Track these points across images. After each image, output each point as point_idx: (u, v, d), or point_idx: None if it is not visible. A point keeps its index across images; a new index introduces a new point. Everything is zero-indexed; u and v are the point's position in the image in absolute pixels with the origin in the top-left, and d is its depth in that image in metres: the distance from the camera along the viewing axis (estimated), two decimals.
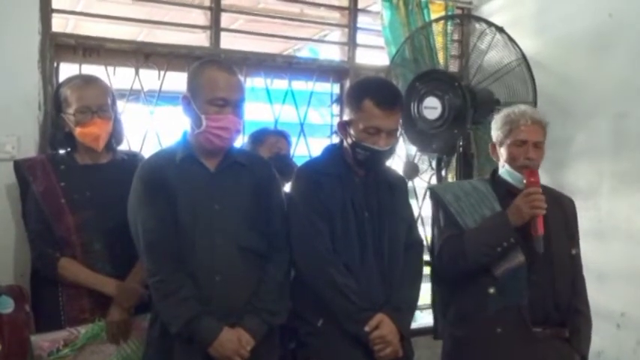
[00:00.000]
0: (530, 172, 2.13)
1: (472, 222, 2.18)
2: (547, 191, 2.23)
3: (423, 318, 3.45)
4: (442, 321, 2.33)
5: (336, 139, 3.29)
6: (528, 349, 2.11)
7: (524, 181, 2.13)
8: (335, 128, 3.30)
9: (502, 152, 2.22)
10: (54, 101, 2.31)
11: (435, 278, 2.35)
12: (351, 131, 2.08)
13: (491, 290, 2.12)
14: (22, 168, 2.24)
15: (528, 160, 2.15)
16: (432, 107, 2.88)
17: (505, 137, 2.20)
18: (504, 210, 2.14)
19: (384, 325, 2.02)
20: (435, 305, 2.36)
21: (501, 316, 2.11)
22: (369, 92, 2.05)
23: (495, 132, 2.25)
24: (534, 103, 2.86)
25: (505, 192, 2.20)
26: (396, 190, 2.20)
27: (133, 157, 2.37)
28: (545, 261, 2.14)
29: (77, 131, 2.21)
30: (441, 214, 2.25)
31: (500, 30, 2.92)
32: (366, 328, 2.01)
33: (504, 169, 2.22)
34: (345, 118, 2.13)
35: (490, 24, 2.96)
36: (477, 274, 2.15)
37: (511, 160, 2.19)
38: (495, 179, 2.27)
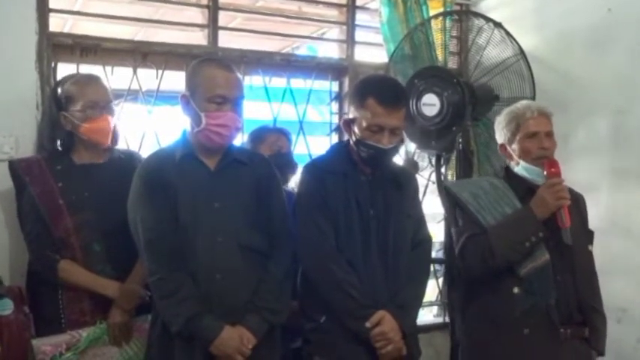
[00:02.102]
0: (550, 163, 2.10)
1: (492, 220, 2.14)
2: None
3: (425, 315, 3.45)
4: (460, 322, 2.30)
5: (335, 137, 3.32)
6: (552, 349, 2.09)
7: (545, 173, 2.10)
8: (335, 126, 3.33)
9: (514, 149, 2.19)
10: (53, 100, 2.27)
11: (451, 279, 2.30)
12: (355, 129, 2.07)
13: (516, 290, 2.09)
14: (17, 168, 2.22)
15: (543, 150, 2.13)
16: (430, 104, 2.87)
17: (514, 134, 2.18)
18: (527, 204, 2.10)
19: (385, 322, 2.02)
20: (451, 306, 2.32)
21: (529, 317, 2.08)
22: (372, 90, 2.04)
23: (501, 132, 2.23)
24: (533, 99, 2.85)
25: (525, 190, 2.16)
26: (404, 187, 2.19)
27: (129, 157, 2.36)
28: (567, 259, 2.12)
29: (84, 128, 2.19)
30: (459, 213, 2.21)
31: (499, 25, 2.91)
32: (367, 324, 2.01)
33: (520, 166, 2.19)
34: (350, 115, 2.13)
35: (488, 20, 2.95)
36: (499, 274, 2.12)
37: (525, 154, 2.16)
38: (511, 177, 2.23)
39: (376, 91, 2.04)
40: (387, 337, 2.01)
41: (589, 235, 2.27)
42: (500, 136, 2.25)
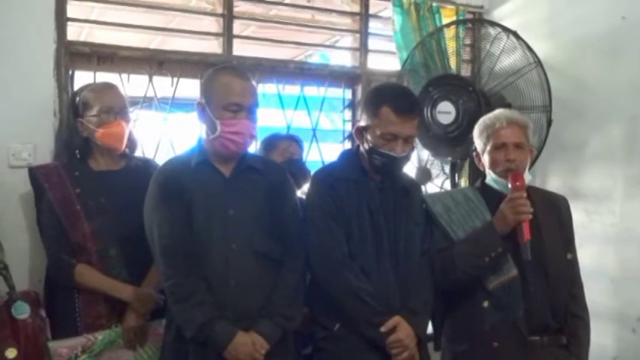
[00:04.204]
0: (514, 176, 2.08)
1: (462, 233, 2.14)
2: (539, 193, 2.21)
3: None
4: (439, 333, 2.30)
5: (348, 145, 3.33)
6: (527, 358, 2.08)
7: (509, 186, 2.08)
8: (348, 133, 3.34)
9: (485, 160, 2.19)
10: (71, 107, 2.33)
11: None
12: (368, 137, 2.08)
13: (486, 304, 2.09)
14: (37, 175, 2.26)
15: (509, 162, 2.10)
16: (446, 112, 2.88)
17: (485, 144, 2.17)
18: (492, 219, 2.10)
19: (401, 329, 2.02)
20: (433, 318, 2.33)
21: (497, 330, 2.08)
22: (386, 99, 2.05)
23: (476, 141, 2.23)
24: (549, 107, 2.85)
25: (497, 201, 2.14)
26: (412, 195, 2.20)
27: (146, 164, 2.39)
28: (539, 270, 2.10)
29: (99, 133, 2.23)
30: (433, 226, 2.20)
31: (514, 34, 2.91)
32: (382, 329, 2.01)
33: (490, 177, 2.19)
34: (362, 123, 2.13)
35: (504, 28, 2.95)
36: (470, 288, 2.12)
37: (494, 166, 2.15)
38: (485, 188, 2.23)
39: (390, 99, 2.04)
40: (403, 343, 2.01)
41: (568, 243, 2.22)
42: (476, 145, 2.24)
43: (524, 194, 2.07)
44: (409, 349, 2.02)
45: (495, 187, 2.18)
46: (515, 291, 2.07)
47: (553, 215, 2.20)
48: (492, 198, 2.17)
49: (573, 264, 2.22)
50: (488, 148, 2.16)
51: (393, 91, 2.15)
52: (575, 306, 2.18)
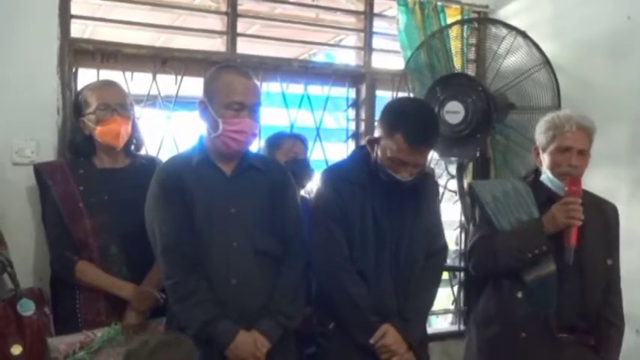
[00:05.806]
0: (572, 181, 2.08)
1: (507, 224, 2.15)
2: (589, 197, 2.18)
3: (439, 323, 3.44)
4: (468, 319, 2.34)
5: (351, 144, 3.32)
6: (552, 354, 2.09)
7: (566, 189, 2.08)
8: (352, 133, 3.34)
9: (545, 158, 2.16)
10: (74, 106, 2.34)
11: (469, 278, 2.33)
12: (379, 152, 2.05)
13: (520, 294, 2.11)
14: (42, 172, 2.27)
15: (570, 168, 2.09)
16: (454, 112, 2.85)
17: (548, 143, 2.14)
18: (540, 216, 2.10)
19: (388, 335, 2.04)
20: (468, 307, 2.35)
21: (527, 322, 2.10)
22: (403, 125, 1.99)
23: (539, 136, 2.19)
24: (558, 108, 2.83)
25: (546, 198, 2.15)
26: (422, 195, 2.16)
27: (150, 162, 2.39)
28: (576, 271, 2.10)
29: (97, 130, 2.23)
30: (477, 212, 2.22)
31: (522, 33, 2.88)
32: (372, 340, 2.03)
33: (545, 175, 2.18)
34: (376, 134, 2.10)
35: (512, 28, 2.93)
36: (506, 277, 2.13)
37: (554, 167, 2.13)
38: (536, 183, 2.22)
39: (407, 128, 1.98)
40: (390, 349, 2.04)
41: (610, 249, 2.21)
42: (537, 140, 2.21)
43: (580, 201, 2.06)
44: (398, 355, 2.04)
45: (549, 186, 2.17)
46: (550, 287, 2.08)
47: (599, 220, 2.19)
48: (542, 195, 2.17)
49: (612, 270, 2.21)
50: (551, 148, 2.13)
51: (411, 117, 2.02)
52: (610, 314, 2.18)
